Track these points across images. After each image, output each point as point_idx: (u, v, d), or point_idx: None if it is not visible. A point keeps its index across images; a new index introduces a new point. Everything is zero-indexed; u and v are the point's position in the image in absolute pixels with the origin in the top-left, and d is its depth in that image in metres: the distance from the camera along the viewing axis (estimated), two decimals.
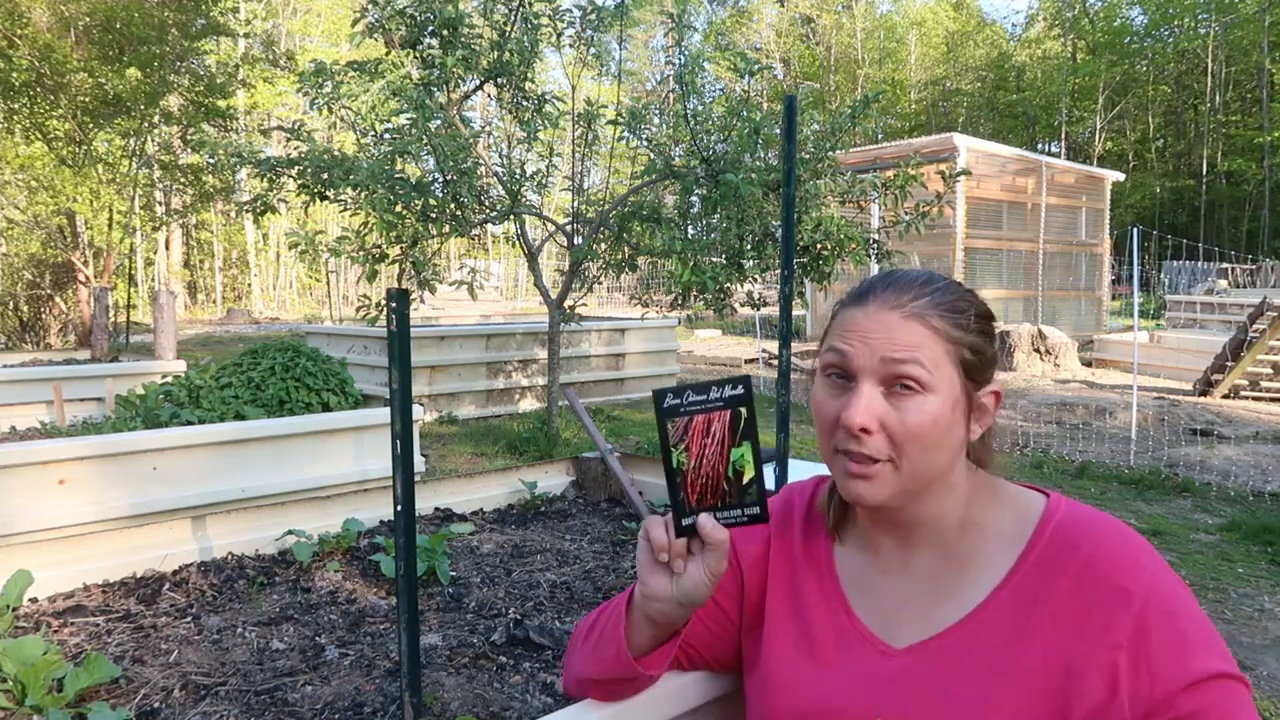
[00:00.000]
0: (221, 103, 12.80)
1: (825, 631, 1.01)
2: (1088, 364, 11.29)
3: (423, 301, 14.46)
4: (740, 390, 0.88)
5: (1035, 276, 13.64)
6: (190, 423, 5.46)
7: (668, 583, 0.94)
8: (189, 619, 2.57)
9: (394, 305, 1.67)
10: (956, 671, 0.91)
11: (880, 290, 0.96)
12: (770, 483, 3.43)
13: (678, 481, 0.89)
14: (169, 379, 6.17)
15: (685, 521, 0.90)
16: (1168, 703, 0.82)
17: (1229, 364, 8.37)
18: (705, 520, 0.90)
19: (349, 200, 5.06)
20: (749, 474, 0.88)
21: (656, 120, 5.88)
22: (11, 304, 11.12)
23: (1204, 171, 34.63)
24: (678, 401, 0.89)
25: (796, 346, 12.17)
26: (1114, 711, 0.83)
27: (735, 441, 0.89)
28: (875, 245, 5.65)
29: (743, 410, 0.88)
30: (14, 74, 10.36)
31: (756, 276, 5.63)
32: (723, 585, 1.09)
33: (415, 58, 5.34)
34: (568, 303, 6.06)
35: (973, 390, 0.96)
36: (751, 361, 11.81)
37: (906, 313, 0.93)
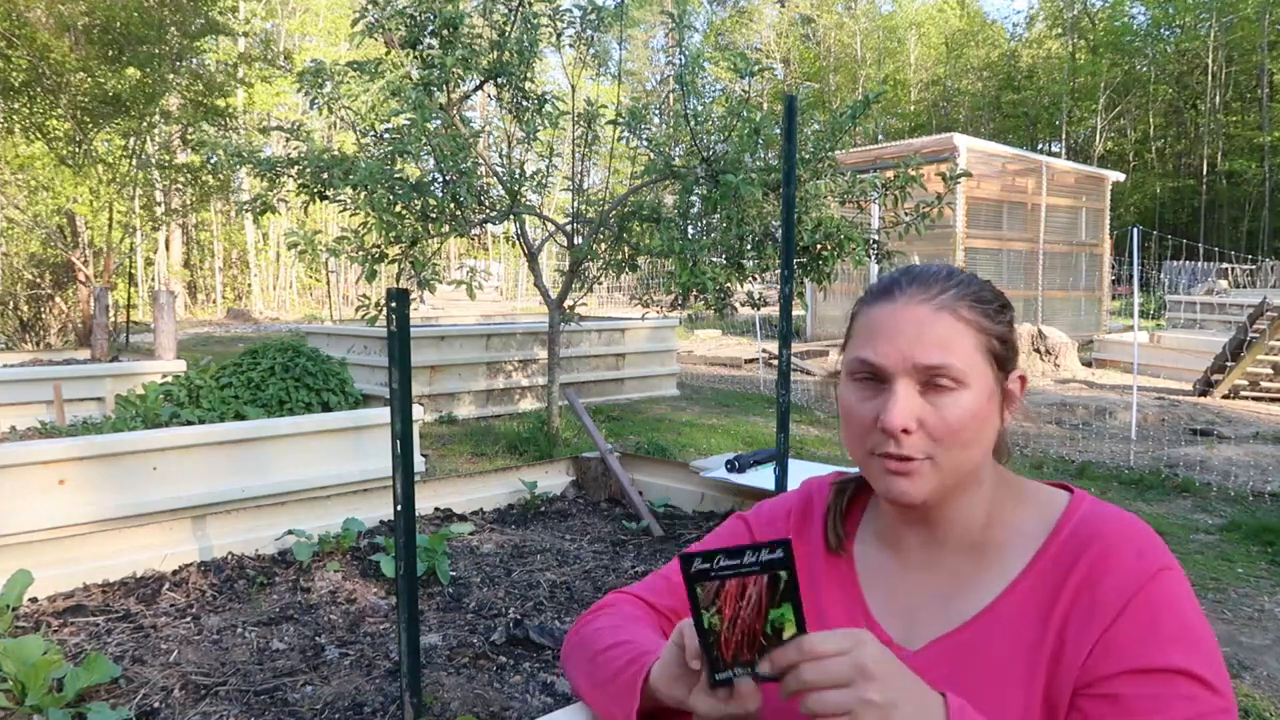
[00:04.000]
0: (221, 102, 12.80)
1: None
2: (1088, 364, 11.29)
3: (423, 301, 14.46)
4: (779, 554, 0.81)
5: (1035, 276, 13.63)
6: (190, 423, 5.46)
7: (686, 696, 0.88)
8: (189, 619, 2.57)
9: (394, 305, 1.67)
10: (968, 666, 0.91)
11: (906, 285, 0.95)
12: (770, 482, 3.44)
13: (710, 640, 0.83)
14: (169, 379, 6.18)
15: (720, 677, 0.84)
16: (1108, 681, 0.81)
17: (1229, 364, 8.37)
18: (744, 686, 0.84)
19: (348, 200, 5.06)
20: (789, 631, 0.81)
21: (656, 120, 5.88)
22: (11, 304, 11.12)
23: (1204, 171, 34.63)
24: (707, 566, 0.82)
25: (796, 346, 12.16)
26: (1064, 674, 0.84)
27: (774, 603, 0.82)
28: (875, 246, 5.65)
29: (782, 574, 0.81)
30: (14, 74, 10.36)
31: (756, 276, 5.63)
32: None
33: (415, 58, 5.34)
34: (568, 303, 6.06)
35: (1002, 380, 0.96)
36: (751, 361, 11.80)
37: (937, 305, 0.92)
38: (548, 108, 5.63)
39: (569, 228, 6.13)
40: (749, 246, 5.40)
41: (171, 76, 11.66)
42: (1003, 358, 0.95)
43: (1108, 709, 0.80)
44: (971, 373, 0.91)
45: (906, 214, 5.44)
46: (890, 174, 5.45)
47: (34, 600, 2.70)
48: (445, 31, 5.16)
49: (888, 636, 0.98)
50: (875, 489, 0.97)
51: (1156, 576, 0.86)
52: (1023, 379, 0.99)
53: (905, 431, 0.90)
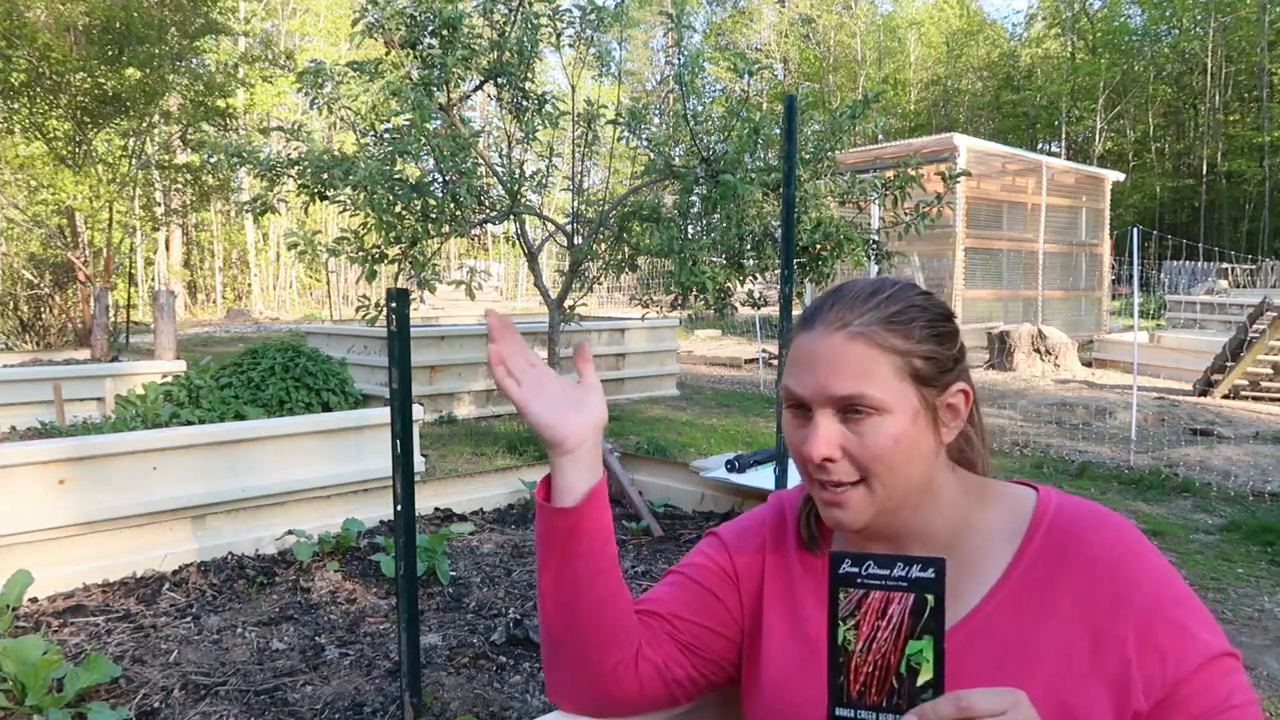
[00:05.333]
0: (221, 102, 12.80)
1: (814, 652, 1.01)
2: (1088, 364, 11.29)
3: (423, 302, 14.45)
4: (930, 573, 0.78)
5: (1035, 276, 13.63)
6: (190, 423, 5.46)
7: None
8: (189, 619, 2.57)
9: (394, 305, 1.67)
10: (956, 670, 0.91)
11: (825, 312, 0.96)
12: (770, 482, 3.43)
13: (840, 661, 0.80)
14: (169, 379, 6.17)
15: (840, 712, 0.80)
16: (1179, 685, 0.85)
17: (1229, 364, 8.37)
18: None
19: (348, 200, 5.06)
20: (925, 675, 0.77)
21: (656, 120, 5.88)
22: (11, 304, 11.11)
23: (1204, 171, 34.62)
24: (855, 570, 0.81)
25: None
26: (1132, 701, 0.86)
27: (915, 633, 0.78)
28: (875, 246, 5.65)
29: (929, 598, 0.78)
30: (14, 74, 10.36)
31: (756, 276, 5.63)
32: (724, 600, 1.09)
33: (415, 58, 5.34)
34: (568, 303, 6.06)
35: (934, 396, 0.94)
36: (751, 361, 11.80)
37: (850, 333, 0.92)
38: (547, 108, 5.63)
39: (569, 228, 6.12)
40: (749, 246, 5.40)
41: (171, 77, 11.66)
42: (928, 376, 0.94)
43: (1178, 711, 0.86)
44: (890, 398, 0.91)
45: (906, 214, 5.44)
46: (890, 174, 5.45)
47: (34, 600, 2.70)
48: (445, 31, 5.16)
49: None
50: (821, 515, 0.98)
51: (1154, 570, 0.90)
52: (966, 393, 0.97)
53: (829, 460, 0.92)
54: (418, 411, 4.83)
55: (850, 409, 0.91)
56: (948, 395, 0.96)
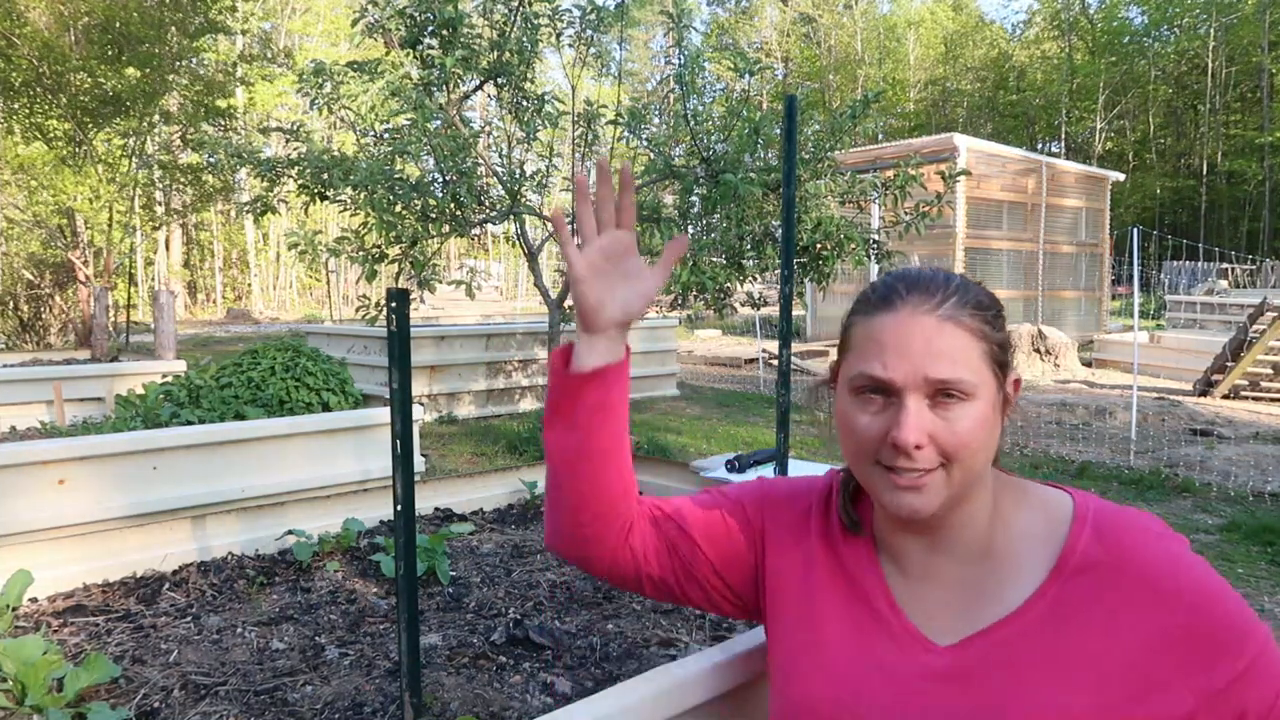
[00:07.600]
0: (220, 102, 12.80)
1: (868, 627, 0.99)
2: (1088, 364, 11.29)
3: (423, 301, 14.45)
4: None
5: (1035, 276, 13.63)
6: (190, 422, 5.46)
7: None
8: (189, 619, 2.57)
9: (394, 305, 1.66)
10: (1008, 667, 0.89)
11: (906, 292, 0.92)
12: None
13: None
14: (169, 379, 6.17)
15: None
16: (1232, 686, 0.84)
17: (1229, 364, 8.37)
18: None
19: (348, 200, 5.06)
20: None
21: (656, 120, 5.88)
22: (11, 304, 11.11)
23: (1204, 171, 34.63)
24: None
25: (796, 346, 12.15)
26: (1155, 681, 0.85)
27: None
28: (875, 246, 5.65)
29: None
30: (14, 74, 10.36)
31: (756, 276, 5.63)
32: (729, 528, 1.12)
33: (415, 58, 5.34)
34: (568, 303, 6.06)
35: (1003, 383, 0.95)
36: (751, 361, 11.80)
37: (942, 315, 0.90)
38: (548, 108, 5.63)
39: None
40: (749, 246, 5.40)
41: (171, 77, 11.66)
42: (1003, 363, 0.94)
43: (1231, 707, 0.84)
44: (979, 383, 0.90)
45: (906, 214, 5.44)
46: (890, 174, 5.45)
47: (34, 600, 2.70)
48: (445, 31, 5.16)
49: (915, 629, 0.96)
50: (880, 503, 0.96)
51: (1207, 571, 0.88)
52: (1017, 381, 0.98)
53: (918, 447, 0.89)
54: (418, 411, 4.83)
55: (943, 393, 0.89)
56: (1008, 385, 0.96)
